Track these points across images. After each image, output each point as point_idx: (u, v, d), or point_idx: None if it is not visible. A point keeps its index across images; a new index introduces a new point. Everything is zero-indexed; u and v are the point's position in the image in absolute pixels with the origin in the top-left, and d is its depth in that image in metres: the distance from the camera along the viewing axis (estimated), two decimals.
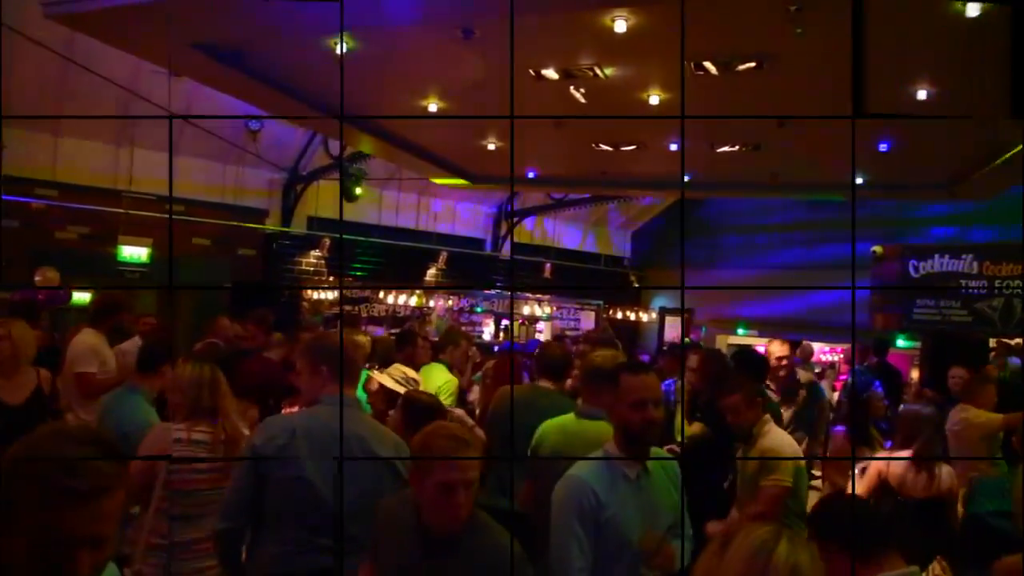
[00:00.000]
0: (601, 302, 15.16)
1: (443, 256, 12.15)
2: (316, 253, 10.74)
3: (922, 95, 5.06)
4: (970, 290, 9.23)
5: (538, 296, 13.25)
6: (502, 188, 11.78)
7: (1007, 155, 6.33)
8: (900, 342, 11.05)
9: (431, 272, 12.13)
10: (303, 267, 10.70)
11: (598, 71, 4.88)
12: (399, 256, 11.63)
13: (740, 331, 14.30)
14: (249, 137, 9.05)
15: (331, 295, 10.61)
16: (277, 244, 10.46)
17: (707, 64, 4.69)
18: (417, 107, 5.81)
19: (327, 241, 10.60)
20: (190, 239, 9.27)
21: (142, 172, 8.71)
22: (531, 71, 4.93)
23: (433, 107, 5.75)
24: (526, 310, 12.98)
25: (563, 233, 14.73)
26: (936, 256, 9.50)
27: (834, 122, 5.87)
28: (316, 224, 10.70)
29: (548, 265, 13.99)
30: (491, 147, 6.99)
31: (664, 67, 4.88)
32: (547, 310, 13.35)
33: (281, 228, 10.38)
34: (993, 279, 9.05)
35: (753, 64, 4.65)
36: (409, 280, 11.73)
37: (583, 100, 5.16)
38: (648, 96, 5.32)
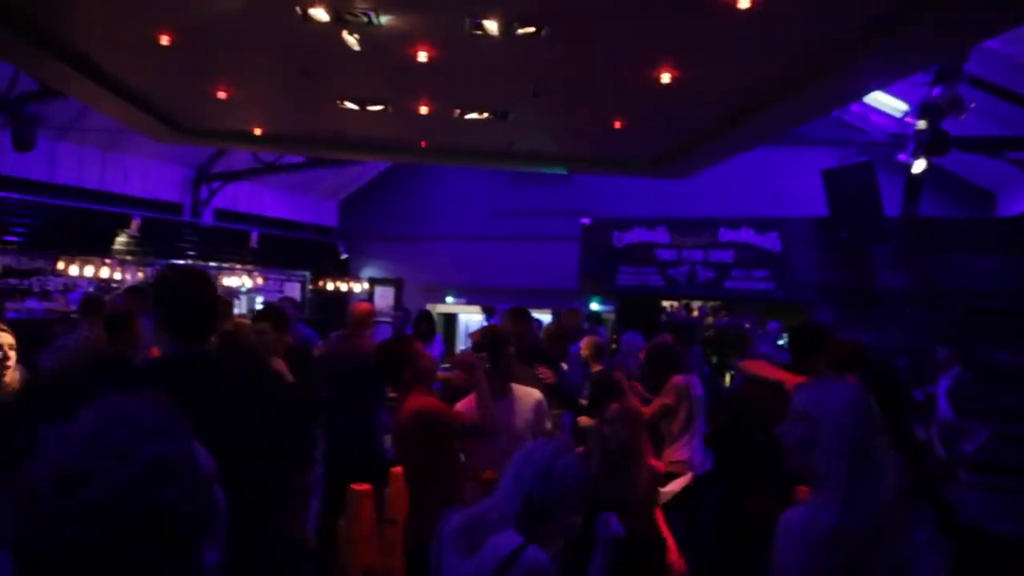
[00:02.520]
0: (308, 272, 14.61)
1: (136, 222, 10.62)
2: None
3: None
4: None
5: (246, 267, 12.31)
6: (204, 147, 10.67)
7: (707, 143, 7.12)
8: (594, 305, 12.16)
9: (121, 240, 10.54)
10: None
11: (373, 17, 4.49)
12: (82, 220, 9.97)
13: (449, 299, 14.68)
14: None
15: None
16: None
17: (487, 23, 4.55)
18: (142, 38, 4.90)
19: None
20: None
21: None
22: (297, 9, 4.39)
23: (165, 40, 4.89)
24: (233, 282, 11.97)
25: (266, 199, 13.79)
26: (635, 228, 10.48)
27: (579, 97, 6.13)
28: None
29: (255, 234, 12.97)
30: (220, 95, 6.17)
31: (440, 20, 4.64)
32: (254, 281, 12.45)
33: None
34: (681, 248, 10.22)
35: (532, 29, 4.60)
36: (95, 249, 10.09)
37: (358, 47, 4.72)
38: (417, 52, 5.05)
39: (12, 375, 3.32)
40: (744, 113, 6.05)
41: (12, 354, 3.28)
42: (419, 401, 3.61)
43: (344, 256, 15.58)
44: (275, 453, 2.31)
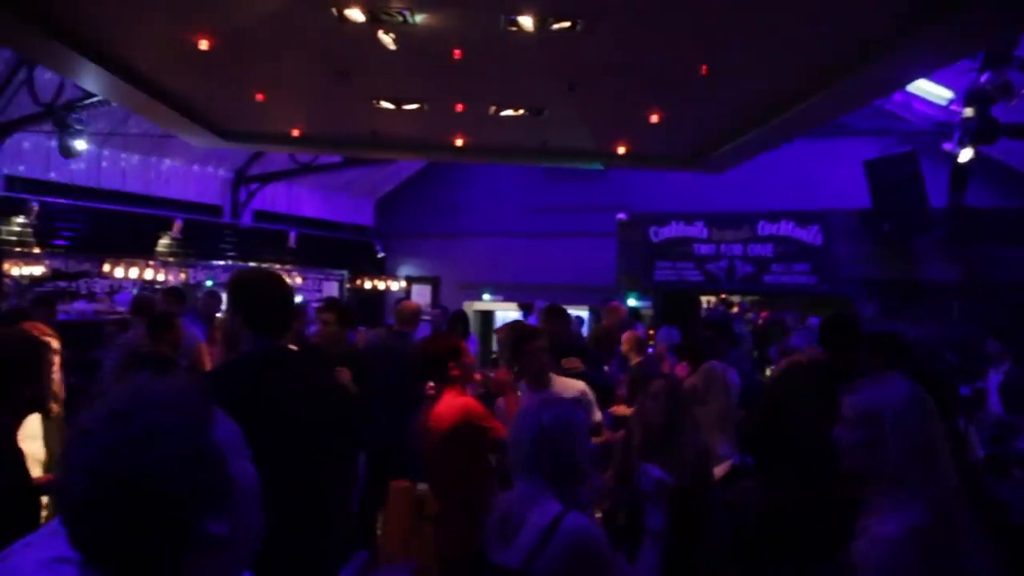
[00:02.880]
0: (346, 271, 14.73)
1: (177, 224, 10.81)
2: (21, 220, 8.99)
3: None
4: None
5: (285, 267, 12.45)
6: (242, 149, 10.80)
7: (744, 137, 7.00)
8: (632, 301, 12.05)
9: (163, 242, 10.74)
10: (2, 236, 8.91)
11: (408, 16, 4.50)
12: (126, 224, 10.20)
13: (486, 296, 14.67)
14: None
15: (39, 269, 9.03)
16: None
17: (521, 19, 4.52)
18: (182, 44, 4.98)
19: (35, 206, 8.90)
20: None
21: None
22: (333, 10, 4.42)
23: (204, 44, 4.95)
24: None
25: (303, 199, 13.95)
26: (673, 223, 10.37)
27: (615, 91, 6.07)
28: (20, 185, 8.95)
29: (293, 234, 13.13)
30: (259, 98, 6.24)
31: (475, 17, 4.63)
32: (293, 281, 12.58)
33: None
34: (719, 243, 10.09)
35: (568, 24, 4.56)
36: (138, 251, 10.30)
37: (394, 47, 4.73)
38: (452, 50, 5.04)
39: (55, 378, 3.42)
40: (784, 104, 5.94)
41: (56, 359, 3.37)
42: (459, 401, 3.47)
43: (381, 255, 15.69)
44: (330, 447, 2.45)
